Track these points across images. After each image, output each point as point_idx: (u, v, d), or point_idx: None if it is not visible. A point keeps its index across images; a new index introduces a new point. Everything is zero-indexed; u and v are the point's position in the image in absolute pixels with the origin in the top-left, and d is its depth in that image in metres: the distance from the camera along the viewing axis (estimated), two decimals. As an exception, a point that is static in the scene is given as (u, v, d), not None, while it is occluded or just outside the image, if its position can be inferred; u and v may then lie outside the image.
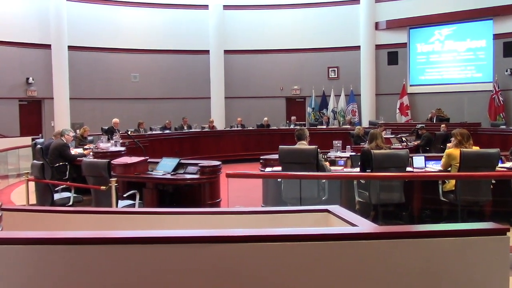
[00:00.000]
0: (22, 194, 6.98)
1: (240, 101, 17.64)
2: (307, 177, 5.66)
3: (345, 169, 6.74)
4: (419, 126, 12.42)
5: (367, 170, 5.83)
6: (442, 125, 12.47)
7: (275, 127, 15.21)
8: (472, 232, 2.11)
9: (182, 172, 6.36)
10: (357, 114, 17.16)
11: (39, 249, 2.01)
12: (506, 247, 2.07)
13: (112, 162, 6.18)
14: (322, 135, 12.80)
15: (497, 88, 14.94)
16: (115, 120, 12.63)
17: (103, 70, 16.46)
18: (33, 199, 6.47)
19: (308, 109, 17.69)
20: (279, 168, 6.24)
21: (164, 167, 6.41)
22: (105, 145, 9.09)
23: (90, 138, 11.05)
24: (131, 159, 6.62)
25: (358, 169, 6.22)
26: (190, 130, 14.32)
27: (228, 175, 5.35)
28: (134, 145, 9.68)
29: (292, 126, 14.89)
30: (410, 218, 6.16)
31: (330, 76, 17.67)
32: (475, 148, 5.96)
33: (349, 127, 14.57)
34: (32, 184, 6.39)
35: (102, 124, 13.30)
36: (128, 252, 2.01)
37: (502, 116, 14.80)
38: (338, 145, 7.96)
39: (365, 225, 2.59)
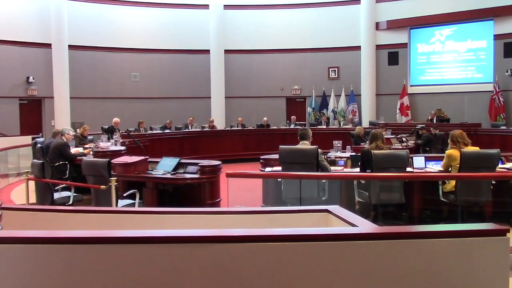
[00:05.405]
0: (22, 193, 6.97)
1: (240, 101, 17.63)
2: (307, 177, 5.66)
3: (345, 169, 6.73)
4: (419, 126, 12.38)
5: (367, 171, 5.83)
6: (432, 128, 12.16)
7: (275, 127, 15.20)
8: (472, 232, 2.11)
9: (182, 171, 6.36)
10: (357, 114, 17.14)
11: (39, 249, 2.01)
12: (506, 248, 2.07)
13: (112, 161, 6.18)
14: (322, 135, 12.78)
15: (497, 89, 14.94)
16: (115, 119, 12.62)
17: (104, 69, 16.47)
18: (33, 198, 6.47)
19: (308, 109, 17.68)
20: (279, 168, 6.23)
21: (164, 166, 6.41)
22: (105, 145, 9.08)
23: (90, 137, 11.05)
24: (131, 159, 6.62)
25: (358, 169, 6.22)
26: (191, 130, 14.33)
27: (228, 175, 5.35)
28: (134, 144, 9.69)
29: (292, 126, 14.89)
30: (410, 219, 6.16)
31: (330, 76, 17.66)
32: (475, 149, 5.96)
33: (349, 127, 14.56)
34: (32, 183, 6.39)
35: (102, 123, 13.29)
36: (128, 251, 2.01)
37: (502, 117, 14.80)
38: (338, 145, 7.95)
39: (365, 226, 2.59)
